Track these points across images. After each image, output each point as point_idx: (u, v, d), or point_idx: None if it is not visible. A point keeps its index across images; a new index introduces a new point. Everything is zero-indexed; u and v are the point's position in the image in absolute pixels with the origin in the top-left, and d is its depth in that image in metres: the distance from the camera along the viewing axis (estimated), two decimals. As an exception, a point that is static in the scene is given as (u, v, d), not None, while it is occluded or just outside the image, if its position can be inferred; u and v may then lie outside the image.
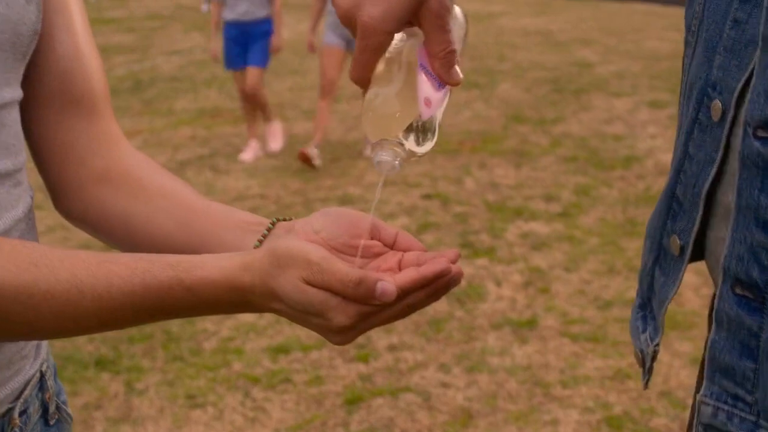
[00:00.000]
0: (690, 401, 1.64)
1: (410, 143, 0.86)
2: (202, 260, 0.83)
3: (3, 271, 0.78)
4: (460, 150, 6.38)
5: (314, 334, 2.89)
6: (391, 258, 0.90)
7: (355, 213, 0.94)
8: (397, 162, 0.86)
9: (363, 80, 0.86)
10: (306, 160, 6.13)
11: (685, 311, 3.70)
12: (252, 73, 6.57)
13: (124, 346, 3.59)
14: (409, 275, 0.81)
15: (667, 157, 6.10)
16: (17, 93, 0.92)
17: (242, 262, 0.82)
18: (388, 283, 0.79)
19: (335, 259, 0.80)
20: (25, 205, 0.94)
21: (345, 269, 0.79)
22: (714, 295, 0.81)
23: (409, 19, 0.83)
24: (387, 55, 0.86)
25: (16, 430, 0.94)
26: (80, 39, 1.00)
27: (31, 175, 0.98)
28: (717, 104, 0.81)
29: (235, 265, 0.82)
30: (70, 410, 1.08)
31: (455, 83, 0.86)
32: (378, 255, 0.91)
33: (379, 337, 3.58)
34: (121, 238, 1.00)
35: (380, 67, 0.86)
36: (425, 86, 0.85)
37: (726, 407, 0.79)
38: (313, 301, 0.80)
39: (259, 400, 3.17)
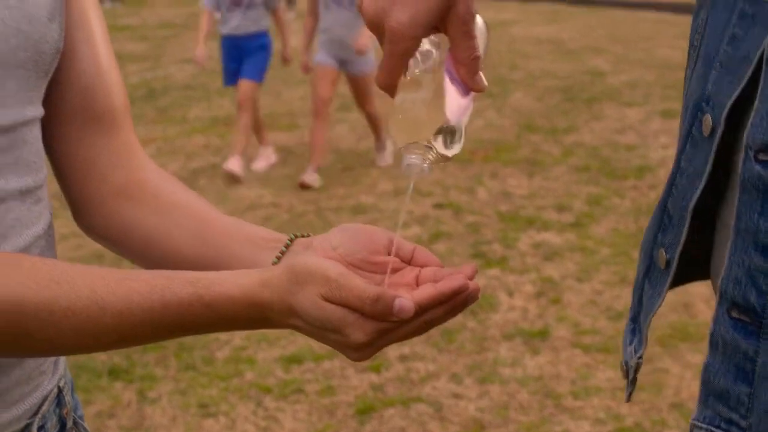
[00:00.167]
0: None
1: (439, 145, 0.88)
2: (221, 277, 0.84)
3: (24, 288, 0.79)
4: (472, 159, 6.38)
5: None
6: (409, 273, 0.91)
7: (373, 229, 0.94)
8: (426, 165, 0.87)
9: (390, 86, 0.87)
10: (307, 187, 5.97)
11: (697, 323, 3.69)
12: (243, 86, 6.31)
13: (137, 355, 3.60)
14: (426, 292, 0.82)
15: (679, 167, 6.09)
16: (39, 110, 0.93)
17: (261, 278, 0.83)
18: (406, 300, 0.80)
19: (353, 276, 0.81)
20: (45, 222, 0.95)
21: (363, 286, 0.80)
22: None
23: (435, 25, 0.84)
24: (413, 60, 0.87)
25: (35, 445, 0.95)
26: (101, 55, 1.01)
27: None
28: (708, 119, 0.81)
29: (254, 282, 0.83)
30: (87, 425, 1.09)
31: (480, 89, 0.87)
32: (395, 271, 0.92)
33: (390, 348, 3.58)
34: (139, 252, 1.01)
35: (407, 72, 0.87)
36: (451, 92, 0.87)
37: None
38: (331, 318, 0.81)
39: (271, 410, 3.18)
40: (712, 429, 0.78)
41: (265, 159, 6.60)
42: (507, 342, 3.64)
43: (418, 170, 0.87)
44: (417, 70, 0.87)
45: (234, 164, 6.12)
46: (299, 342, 3.62)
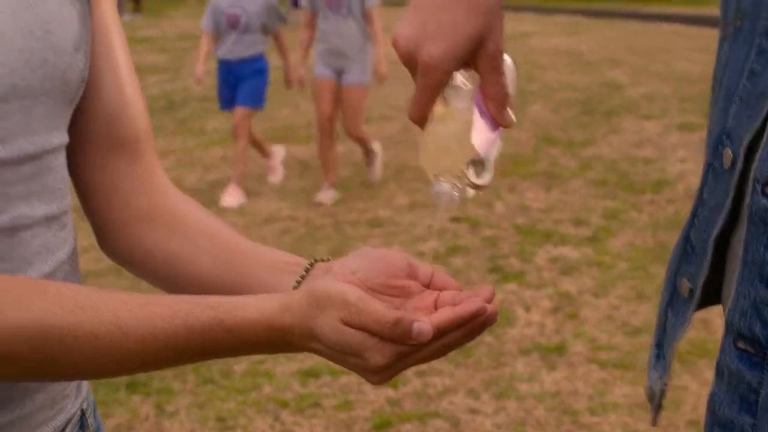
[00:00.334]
0: None
1: (470, 174, 0.89)
2: (242, 302, 0.85)
3: (49, 314, 0.80)
4: (489, 173, 6.38)
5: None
6: (427, 297, 0.92)
7: (392, 253, 0.95)
8: (455, 193, 0.89)
9: (421, 118, 0.89)
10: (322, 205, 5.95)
11: (716, 339, 3.68)
12: (237, 113, 6.17)
13: (156, 368, 3.61)
14: (445, 315, 0.83)
15: (697, 181, 6.06)
16: (64, 138, 0.95)
17: (282, 303, 0.84)
18: (425, 323, 0.81)
19: (372, 300, 0.82)
20: (69, 247, 0.96)
21: (382, 310, 0.81)
22: None
23: (466, 61, 0.86)
24: (444, 94, 0.89)
25: (58, 467, 0.97)
26: (125, 83, 1.02)
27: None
28: (728, 152, 0.82)
29: (275, 307, 0.84)
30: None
31: (508, 125, 0.89)
32: (414, 294, 0.93)
33: (408, 362, 3.58)
34: (163, 277, 1.02)
35: (437, 105, 0.89)
36: (481, 125, 0.89)
37: None
38: (350, 342, 0.82)
39: (289, 424, 3.19)
40: None
41: (277, 170, 6.53)
42: (524, 357, 3.64)
43: (447, 198, 0.89)
44: (447, 104, 0.89)
45: (230, 199, 6.04)
46: (317, 356, 3.60)
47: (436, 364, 3.58)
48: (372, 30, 5.94)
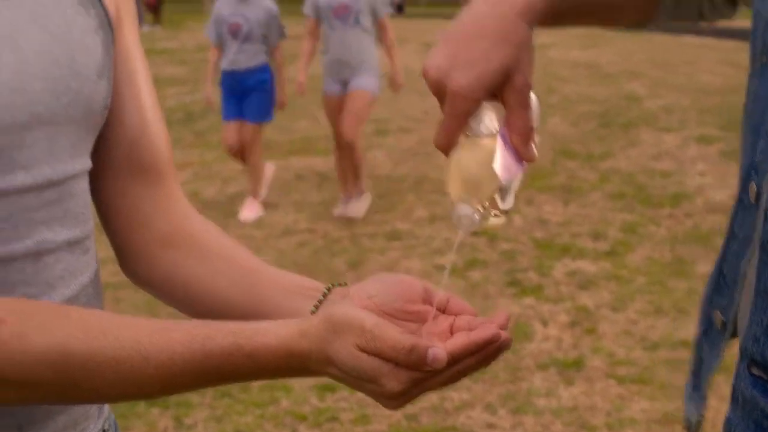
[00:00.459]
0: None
1: (491, 201, 0.91)
2: (261, 327, 0.86)
3: (72, 339, 0.82)
4: (507, 185, 6.38)
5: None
6: (443, 322, 0.93)
7: (408, 279, 0.96)
8: (477, 216, 0.90)
9: (447, 145, 0.91)
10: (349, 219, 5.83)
11: (734, 353, 3.67)
12: (245, 128, 6.07)
13: (174, 381, 3.63)
14: (459, 341, 0.84)
15: (716, 195, 6.07)
16: (87, 164, 0.97)
17: (300, 329, 0.85)
18: (439, 350, 0.82)
19: (388, 326, 0.83)
20: (92, 271, 0.98)
21: (397, 336, 0.82)
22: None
23: (494, 92, 0.88)
24: (470, 123, 0.91)
25: (80, 487, 0.98)
26: (147, 108, 1.04)
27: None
28: (753, 186, 0.83)
29: (293, 333, 0.85)
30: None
31: (530, 159, 0.90)
32: (430, 319, 0.94)
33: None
34: (181, 299, 1.04)
35: (463, 133, 0.91)
36: (504, 156, 0.90)
37: None
38: (366, 368, 0.83)
39: (306, 438, 3.21)
40: None
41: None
42: (541, 372, 3.64)
43: (469, 222, 0.91)
44: (473, 132, 0.91)
45: (248, 213, 6.02)
46: (334, 369, 3.63)
47: (454, 378, 3.58)
48: (386, 39, 5.89)
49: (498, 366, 3.68)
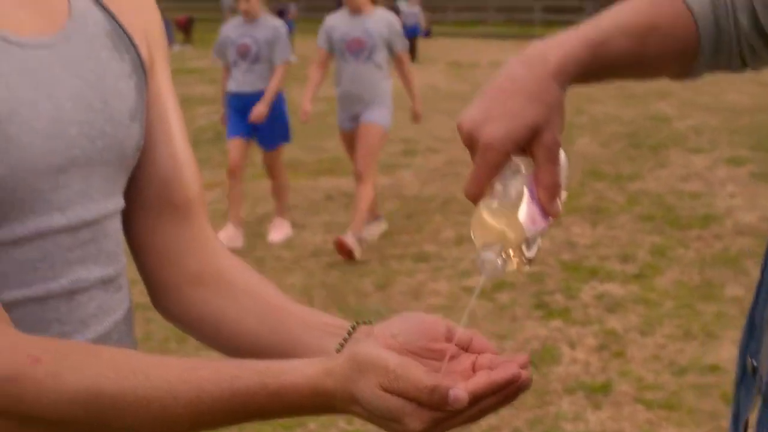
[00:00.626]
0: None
1: (516, 251, 0.94)
2: (287, 366, 0.88)
3: (103, 378, 0.84)
4: (535, 207, 6.38)
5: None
6: (465, 360, 0.94)
7: (432, 318, 0.98)
8: (500, 263, 0.92)
9: (476, 194, 0.95)
10: (348, 255, 5.46)
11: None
12: (266, 158, 6.08)
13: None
14: (481, 381, 0.86)
15: (746, 217, 6.04)
16: (120, 203, 0.99)
17: (325, 368, 0.87)
18: (461, 391, 0.83)
19: (412, 366, 0.85)
20: (125, 308, 1.00)
21: (420, 377, 0.83)
22: None
23: (524, 147, 0.92)
24: (500, 174, 0.94)
25: None
26: (178, 148, 1.07)
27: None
28: None
29: (318, 372, 0.87)
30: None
31: (554, 215, 0.93)
32: (453, 358, 0.95)
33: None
34: (210, 336, 1.06)
35: (493, 184, 0.95)
36: (531, 209, 0.93)
37: None
38: (390, 408, 0.84)
39: (333, 461, 3.22)
40: None
41: (230, 234, 5.90)
42: (569, 396, 3.63)
43: (492, 268, 0.93)
44: (502, 184, 0.93)
45: (277, 234, 6.00)
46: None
47: (481, 402, 3.58)
48: (404, 73, 5.84)
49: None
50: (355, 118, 5.72)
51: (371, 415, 0.87)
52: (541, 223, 0.94)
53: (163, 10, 1.17)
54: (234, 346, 1.04)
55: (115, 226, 0.99)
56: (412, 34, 22.69)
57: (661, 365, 3.88)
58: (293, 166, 8.27)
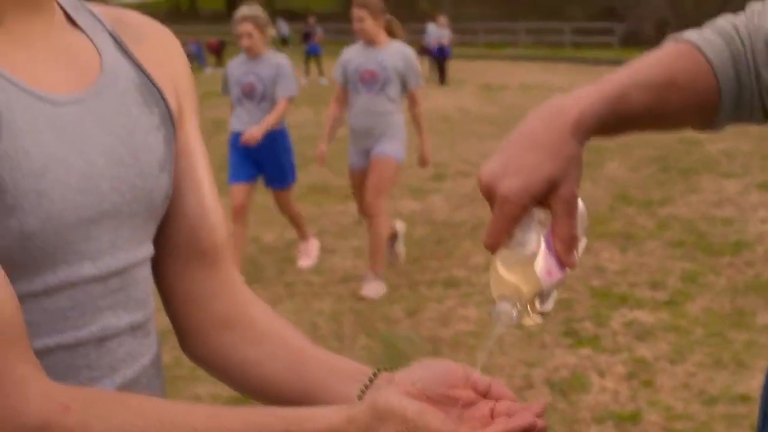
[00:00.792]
0: None
1: (531, 303, 0.96)
2: (311, 414, 0.90)
3: (130, 427, 0.86)
4: (565, 232, 6.37)
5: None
6: (484, 407, 0.96)
7: (451, 365, 1.00)
8: (515, 314, 0.94)
9: (494, 245, 0.97)
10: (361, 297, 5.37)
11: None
12: (276, 196, 5.97)
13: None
14: (497, 430, 0.88)
15: (777, 243, 6.00)
16: (149, 251, 1.02)
17: (347, 415, 0.89)
18: None
19: (429, 414, 0.87)
20: (152, 353, 1.03)
21: (438, 426, 0.85)
22: None
23: (541, 200, 0.94)
24: (518, 226, 0.96)
25: None
26: (206, 196, 1.09)
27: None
28: None
29: (341, 419, 0.89)
30: None
31: (570, 267, 0.95)
32: (472, 404, 0.97)
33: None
34: (236, 380, 1.09)
35: (511, 235, 0.97)
36: (548, 260, 0.95)
37: None
38: None
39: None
40: None
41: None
42: (597, 425, 3.62)
43: (507, 319, 0.95)
44: (520, 235, 0.95)
45: (306, 260, 6.02)
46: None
47: (509, 431, 3.58)
48: (414, 112, 5.72)
49: (554, 418, 3.67)
50: (366, 154, 5.59)
51: None
52: (557, 275, 0.96)
53: (197, 34, 1.20)
54: (259, 389, 1.06)
55: (145, 273, 1.02)
56: (441, 55, 22.84)
57: (691, 394, 3.86)
58: (323, 190, 8.32)
